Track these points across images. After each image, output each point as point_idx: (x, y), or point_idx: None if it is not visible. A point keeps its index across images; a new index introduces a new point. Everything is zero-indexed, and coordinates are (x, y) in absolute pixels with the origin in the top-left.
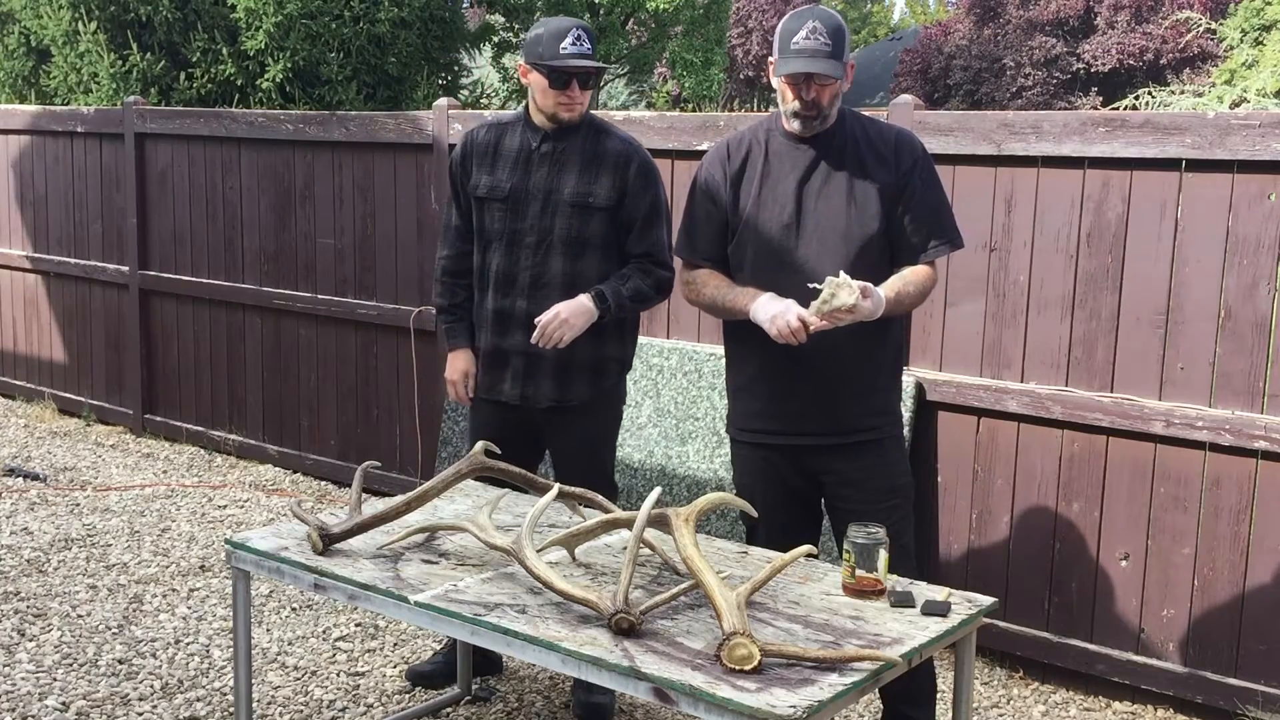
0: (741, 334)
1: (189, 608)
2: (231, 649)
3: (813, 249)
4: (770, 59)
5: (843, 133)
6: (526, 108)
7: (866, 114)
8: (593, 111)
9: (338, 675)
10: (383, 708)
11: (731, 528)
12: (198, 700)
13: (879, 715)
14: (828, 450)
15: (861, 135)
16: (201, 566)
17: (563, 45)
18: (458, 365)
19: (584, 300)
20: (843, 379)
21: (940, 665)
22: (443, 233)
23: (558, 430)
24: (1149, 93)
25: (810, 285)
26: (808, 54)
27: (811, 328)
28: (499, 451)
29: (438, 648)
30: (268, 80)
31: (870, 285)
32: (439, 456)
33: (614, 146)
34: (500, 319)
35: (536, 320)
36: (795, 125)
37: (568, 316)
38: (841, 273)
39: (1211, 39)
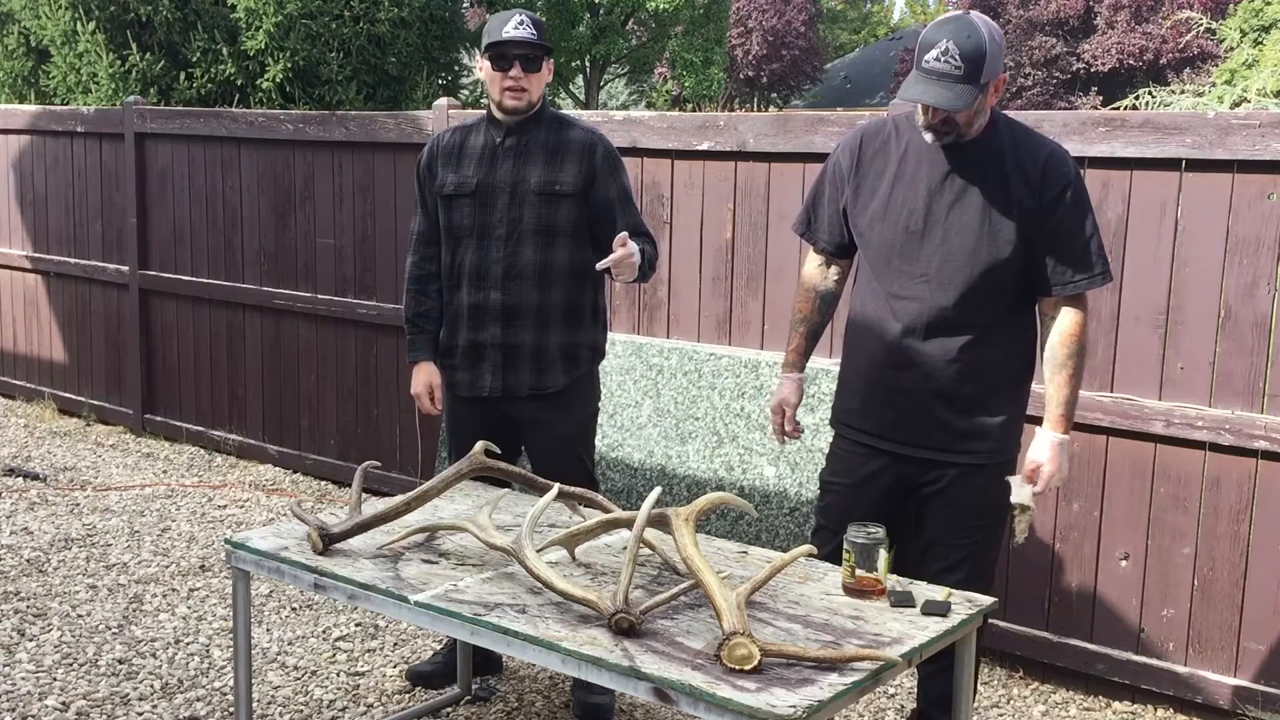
0: (858, 327)
1: (189, 608)
2: (231, 649)
3: (934, 264)
4: None
5: (990, 144)
6: (488, 108)
7: (1027, 123)
8: (574, 111)
9: (338, 675)
10: (383, 708)
11: (731, 528)
12: (198, 700)
13: (878, 716)
14: (915, 463)
15: (1010, 149)
16: (201, 566)
17: (505, 29)
18: (421, 379)
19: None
20: (941, 396)
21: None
22: (409, 239)
23: (535, 424)
24: (1149, 93)
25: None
26: (934, 77)
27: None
28: (499, 451)
29: (438, 648)
30: (268, 80)
31: (1040, 459)
32: (439, 456)
33: (577, 135)
34: (475, 313)
35: (619, 245)
36: (928, 138)
37: (634, 259)
38: (1012, 486)
39: (1211, 39)
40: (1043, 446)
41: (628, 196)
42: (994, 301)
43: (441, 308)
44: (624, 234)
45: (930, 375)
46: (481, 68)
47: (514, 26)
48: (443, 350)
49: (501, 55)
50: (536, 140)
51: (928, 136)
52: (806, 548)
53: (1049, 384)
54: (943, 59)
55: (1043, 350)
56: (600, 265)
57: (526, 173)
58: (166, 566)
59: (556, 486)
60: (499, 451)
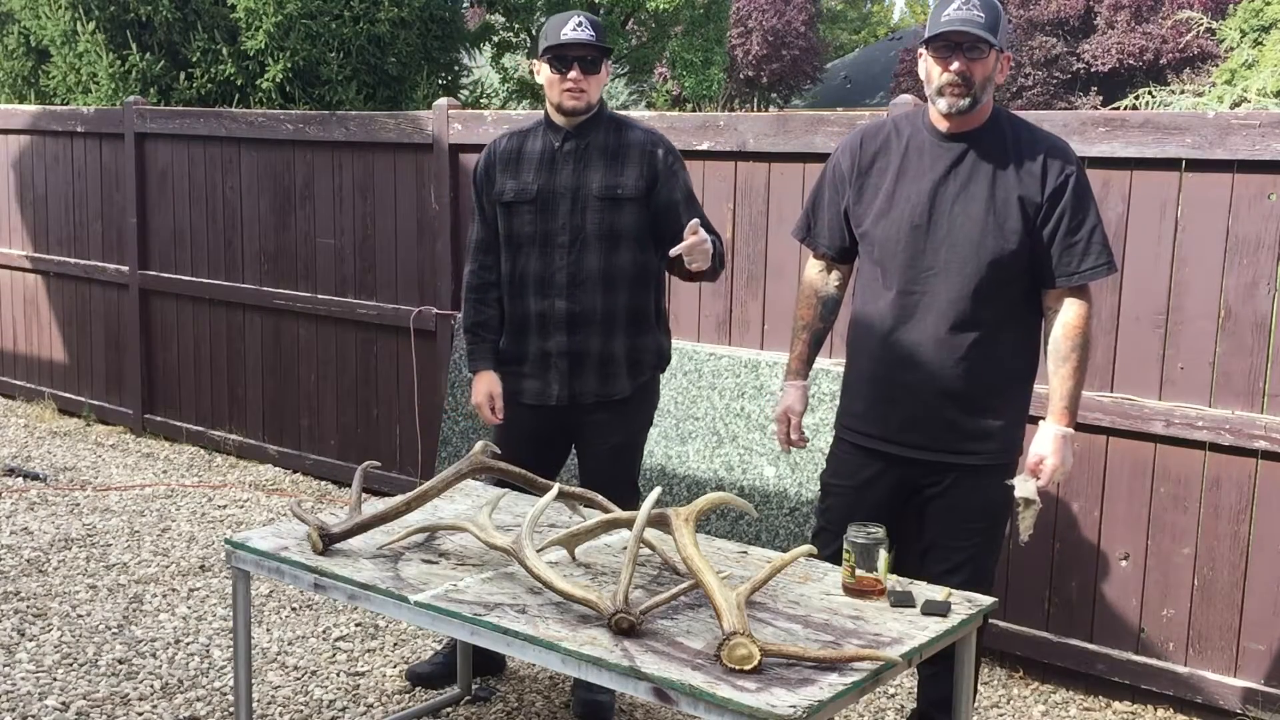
0: (861, 331)
1: (189, 608)
2: (231, 649)
3: (940, 258)
4: (919, 51)
5: (992, 136)
6: (546, 112)
7: (1028, 118)
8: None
9: (338, 675)
10: (383, 708)
11: (731, 528)
12: (198, 700)
13: (878, 716)
14: (918, 465)
15: (1012, 140)
16: (201, 566)
17: (564, 31)
18: (482, 388)
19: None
20: (947, 394)
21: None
22: (468, 247)
23: (594, 429)
24: (1149, 93)
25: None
26: (959, 21)
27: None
28: (499, 451)
29: (438, 648)
30: (268, 80)
31: (1044, 453)
32: (439, 456)
33: (637, 137)
34: (542, 321)
35: (690, 233)
36: (942, 105)
37: (706, 245)
38: (1015, 483)
39: (1211, 39)
40: (1046, 439)
41: (691, 196)
42: (1000, 297)
43: (501, 316)
44: (695, 221)
45: (937, 374)
46: (538, 70)
47: (573, 28)
48: (509, 358)
49: (561, 57)
50: (595, 143)
51: (941, 104)
52: (806, 548)
53: (1052, 377)
54: (965, 7)
55: (1046, 346)
56: (674, 251)
57: (587, 177)
58: (166, 566)
59: (556, 486)
60: (499, 451)
